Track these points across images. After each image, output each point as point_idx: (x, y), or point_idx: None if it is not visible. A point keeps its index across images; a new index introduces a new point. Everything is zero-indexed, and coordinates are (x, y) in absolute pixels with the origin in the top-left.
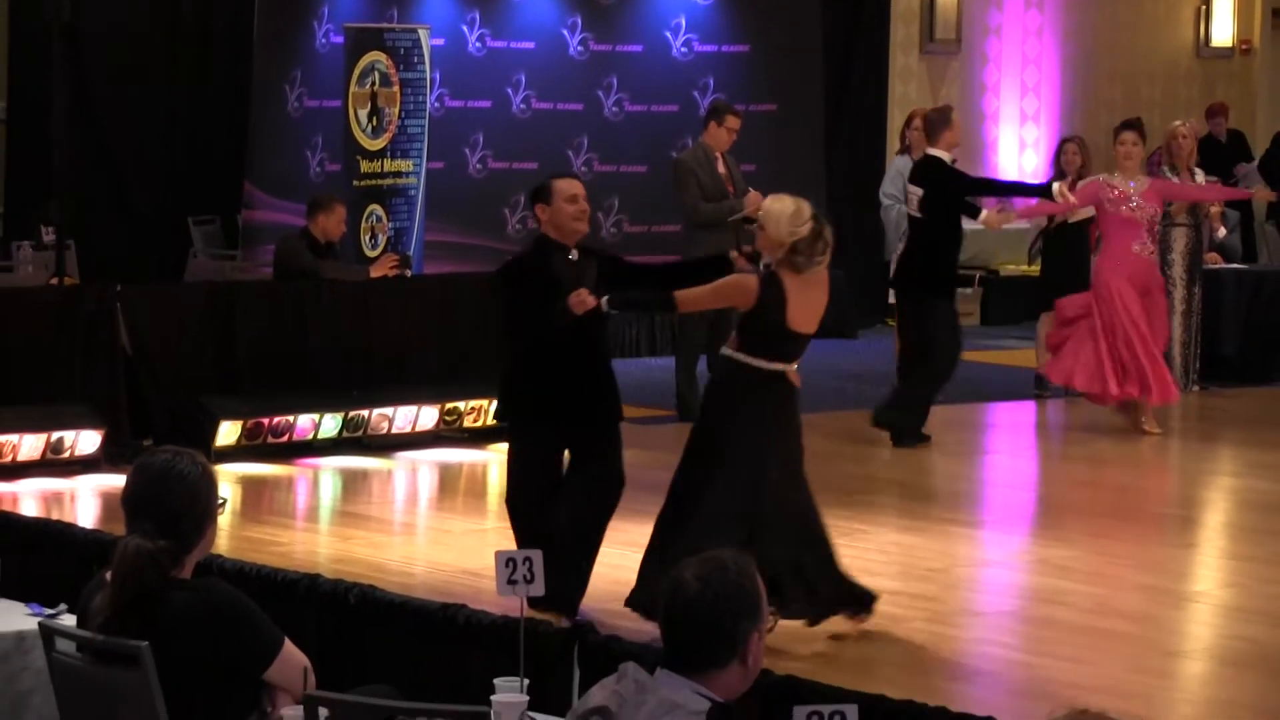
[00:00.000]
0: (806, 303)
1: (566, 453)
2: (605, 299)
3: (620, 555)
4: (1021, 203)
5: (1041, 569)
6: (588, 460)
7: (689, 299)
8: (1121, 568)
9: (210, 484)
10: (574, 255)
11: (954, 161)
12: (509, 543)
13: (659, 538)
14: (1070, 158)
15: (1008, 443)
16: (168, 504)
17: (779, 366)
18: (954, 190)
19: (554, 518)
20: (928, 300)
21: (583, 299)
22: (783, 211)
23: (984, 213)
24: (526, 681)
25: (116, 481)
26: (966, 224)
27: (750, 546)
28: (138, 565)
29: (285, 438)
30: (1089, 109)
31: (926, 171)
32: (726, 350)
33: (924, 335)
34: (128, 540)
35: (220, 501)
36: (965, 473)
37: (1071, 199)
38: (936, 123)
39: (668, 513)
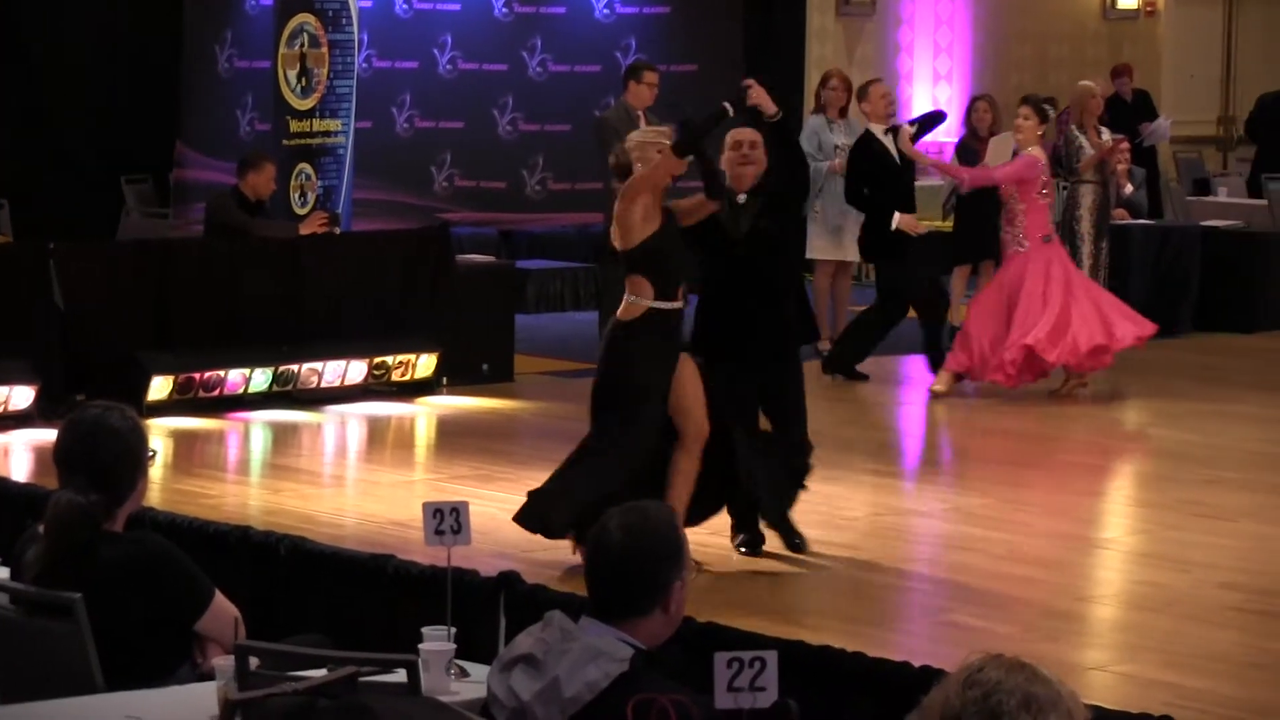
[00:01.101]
0: None
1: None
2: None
3: None
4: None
5: (955, 517)
6: (777, 415)
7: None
8: (1032, 515)
9: (140, 437)
10: (741, 199)
11: (887, 132)
12: (436, 494)
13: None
14: (981, 116)
15: (923, 394)
16: (99, 458)
17: None
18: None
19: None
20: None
21: None
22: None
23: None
24: (454, 630)
25: (51, 436)
26: None
27: None
28: (70, 520)
29: (216, 392)
30: (999, 69)
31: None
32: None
33: None
34: (59, 495)
35: (150, 453)
36: (882, 423)
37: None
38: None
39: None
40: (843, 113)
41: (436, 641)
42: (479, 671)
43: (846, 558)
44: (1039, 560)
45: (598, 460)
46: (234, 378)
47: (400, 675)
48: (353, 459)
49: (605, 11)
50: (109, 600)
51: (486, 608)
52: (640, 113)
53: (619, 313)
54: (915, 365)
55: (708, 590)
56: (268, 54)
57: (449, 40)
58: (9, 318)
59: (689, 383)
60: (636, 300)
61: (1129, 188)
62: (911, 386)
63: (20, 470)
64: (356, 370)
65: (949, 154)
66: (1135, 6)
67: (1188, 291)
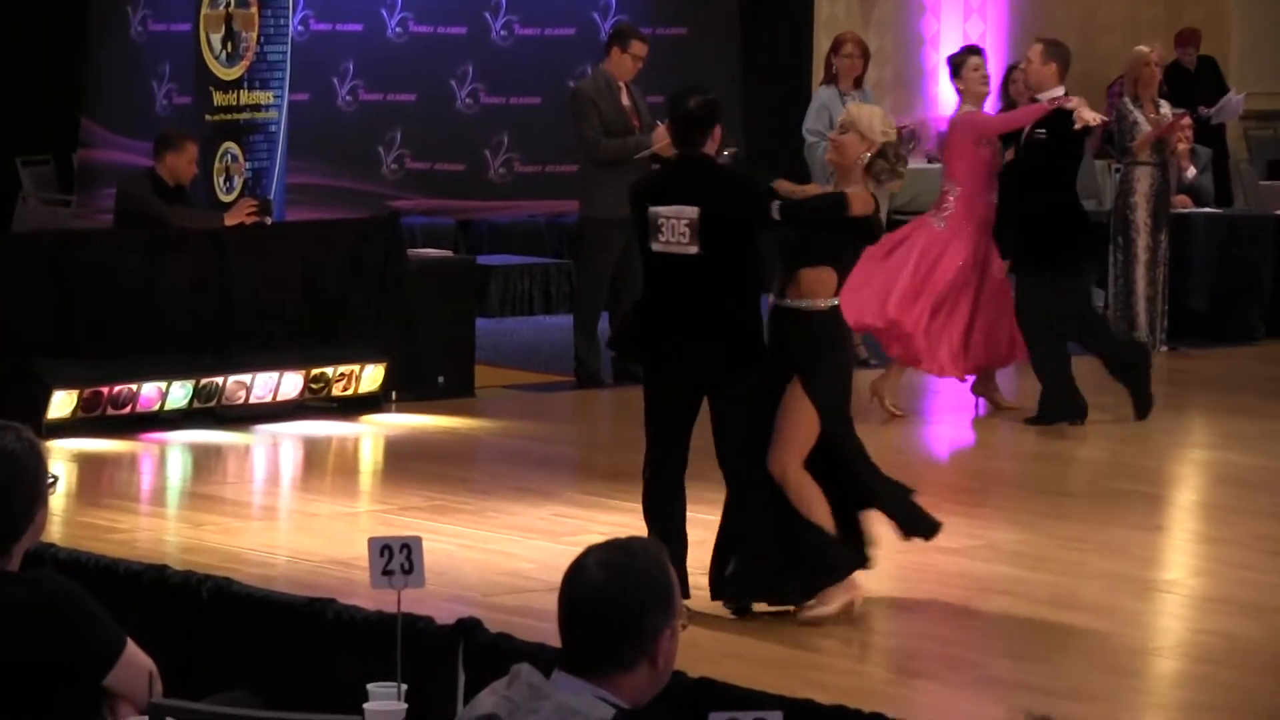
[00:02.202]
0: None
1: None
2: None
3: (511, 542)
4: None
5: (990, 554)
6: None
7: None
8: (1080, 553)
9: (39, 461)
10: None
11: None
12: (384, 529)
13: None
14: (1019, 88)
15: (951, 411)
16: None
17: None
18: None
19: None
20: None
21: None
22: (873, 112)
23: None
24: (404, 687)
25: None
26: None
27: None
28: None
29: (128, 409)
30: (1041, 33)
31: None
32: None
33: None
34: None
35: (50, 480)
36: (903, 445)
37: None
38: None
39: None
40: (858, 83)
41: (385, 700)
42: None
43: (863, 602)
44: (1088, 605)
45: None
46: (148, 392)
47: None
48: (286, 487)
49: None
50: (3, 650)
51: (442, 660)
52: (622, 84)
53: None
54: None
55: (701, 639)
56: (187, 15)
57: None
58: None
59: None
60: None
61: (1191, 170)
62: (937, 401)
63: None
64: (291, 383)
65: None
66: None
67: (1259, 291)
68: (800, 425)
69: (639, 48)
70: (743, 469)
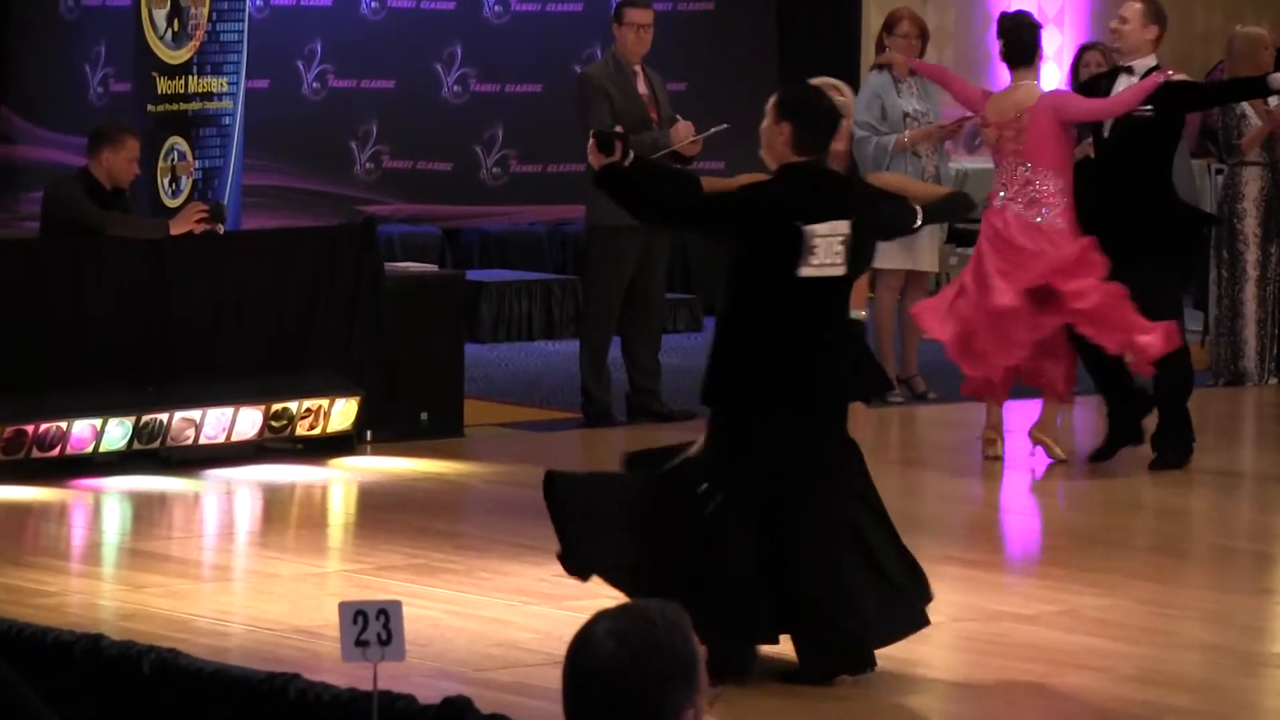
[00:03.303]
0: None
1: None
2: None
3: (506, 607)
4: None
5: (1070, 623)
6: None
7: None
8: (1176, 621)
9: None
10: None
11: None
12: (358, 592)
13: None
14: (1092, 70)
15: (1021, 452)
16: None
17: None
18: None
19: None
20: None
21: None
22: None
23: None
24: None
25: None
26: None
27: None
28: None
29: (56, 450)
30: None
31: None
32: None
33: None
34: None
35: None
36: (964, 493)
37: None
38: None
39: None
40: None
41: None
42: None
43: (921, 679)
44: (1185, 683)
45: None
46: (80, 431)
47: None
48: (242, 543)
49: None
50: None
51: None
52: (638, 69)
53: None
54: (1009, 411)
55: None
56: None
57: None
58: None
59: None
60: None
61: None
62: (1011, 440)
63: None
64: (248, 421)
65: None
66: None
67: None
68: None
69: (635, 15)
70: None
